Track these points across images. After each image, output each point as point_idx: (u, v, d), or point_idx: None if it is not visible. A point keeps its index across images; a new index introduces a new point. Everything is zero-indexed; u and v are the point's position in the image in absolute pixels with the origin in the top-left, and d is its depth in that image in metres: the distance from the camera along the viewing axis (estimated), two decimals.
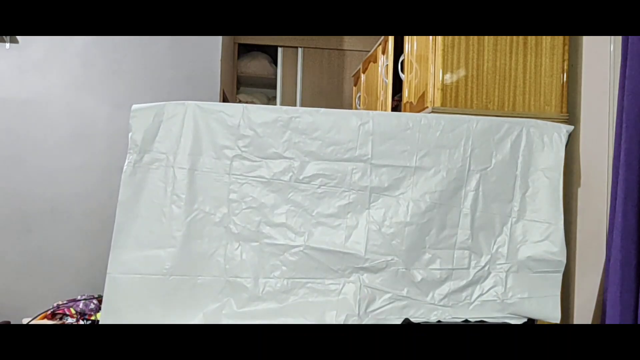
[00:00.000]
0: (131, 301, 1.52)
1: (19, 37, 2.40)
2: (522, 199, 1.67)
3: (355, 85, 3.44)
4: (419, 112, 1.87)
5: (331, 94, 3.74)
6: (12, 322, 2.19)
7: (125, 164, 1.55)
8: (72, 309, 2.07)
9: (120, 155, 1.70)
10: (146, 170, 1.56)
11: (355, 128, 1.60)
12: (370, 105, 2.90)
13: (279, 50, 3.71)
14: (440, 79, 1.78)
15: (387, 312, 1.62)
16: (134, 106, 1.54)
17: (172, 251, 1.56)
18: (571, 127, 1.70)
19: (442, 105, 1.78)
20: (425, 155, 1.63)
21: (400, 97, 2.28)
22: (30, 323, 2.03)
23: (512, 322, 1.66)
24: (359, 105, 3.21)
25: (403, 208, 1.62)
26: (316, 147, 1.59)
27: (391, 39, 2.43)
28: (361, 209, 1.62)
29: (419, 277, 1.63)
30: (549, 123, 1.70)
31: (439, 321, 1.63)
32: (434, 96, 1.79)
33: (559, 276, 1.65)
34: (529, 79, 1.81)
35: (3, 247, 2.29)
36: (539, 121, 1.70)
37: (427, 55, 1.86)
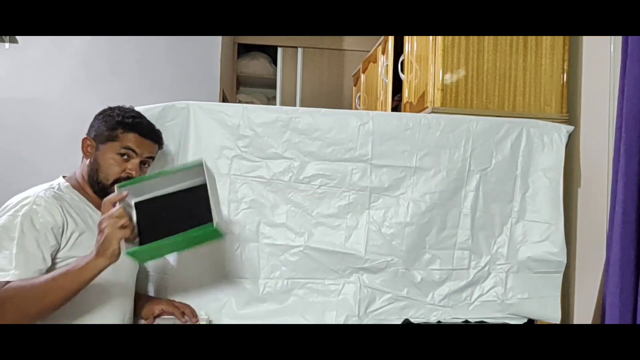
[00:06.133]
0: None
1: (18, 37, 2.39)
2: (522, 199, 1.67)
3: (355, 85, 3.44)
4: (419, 112, 1.87)
5: (331, 94, 3.73)
6: None
7: None
8: None
9: None
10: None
11: (355, 128, 1.60)
12: (370, 105, 2.90)
13: (279, 50, 3.71)
14: (440, 79, 1.78)
15: (387, 312, 1.62)
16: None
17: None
18: (571, 128, 1.70)
19: (442, 105, 1.78)
20: (425, 156, 1.63)
21: (400, 97, 2.28)
22: None
23: (512, 322, 1.66)
24: (359, 105, 3.21)
25: (403, 208, 1.62)
26: (316, 148, 1.59)
27: (391, 39, 2.43)
28: (361, 209, 1.62)
29: (418, 278, 1.63)
30: (549, 123, 1.70)
31: (439, 321, 1.63)
32: (434, 96, 1.79)
33: (559, 277, 1.65)
34: (529, 79, 1.81)
35: None
36: (539, 121, 1.70)
37: (427, 55, 1.86)
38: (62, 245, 1.28)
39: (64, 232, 1.28)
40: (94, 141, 1.39)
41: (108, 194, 1.35)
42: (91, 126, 1.42)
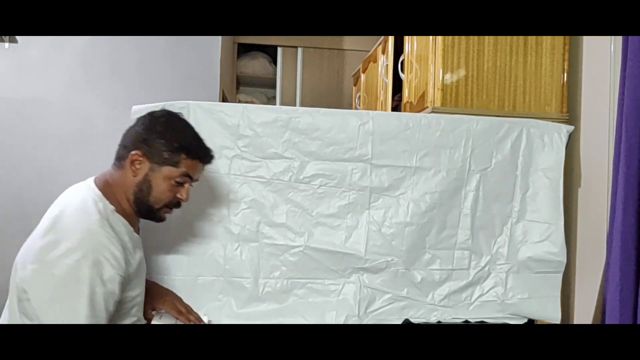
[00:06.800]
0: None
1: (18, 37, 2.39)
2: (522, 199, 1.67)
3: (355, 85, 3.44)
4: (419, 112, 1.87)
5: (331, 94, 3.73)
6: None
7: None
8: None
9: None
10: None
11: (355, 128, 1.60)
12: (370, 105, 2.90)
13: (279, 50, 3.71)
14: (440, 79, 1.78)
15: (387, 312, 1.62)
16: (135, 107, 1.54)
17: (172, 251, 1.56)
18: (571, 127, 1.70)
19: (442, 105, 1.78)
20: (425, 156, 1.63)
21: (400, 97, 2.28)
22: None
23: (512, 322, 1.66)
24: (359, 105, 3.20)
25: (403, 208, 1.62)
26: (316, 147, 1.59)
27: (391, 39, 2.43)
28: (361, 209, 1.62)
29: (419, 278, 1.63)
30: (549, 123, 1.70)
31: (439, 322, 1.63)
32: (434, 96, 1.79)
33: (559, 277, 1.65)
34: (529, 79, 1.81)
35: (2, 248, 2.29)
36: (539, 121, 1.70)
37: (427, 55, 1.86)
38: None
39: (126, 277, 1.20)
40: (147, 159, 1.26)
41: (154, 215, 1.31)
42: (141, 139, 1.27)
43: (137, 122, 1.32)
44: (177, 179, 1.28)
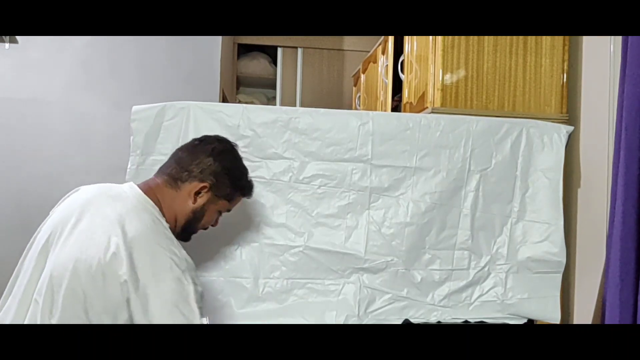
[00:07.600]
0: None
1: (18, 37, 2.39)
2: (522, 199, 1.67)
3: (355, 85, 3.44)
4: (418, 112, 1.87)
5: (331, 94, 3.73)
6: None
7: (129, 166, 1.55)
8: None
9: (120, 155, 1.70)
10: (149, 172, 1.55)
11: (355, 128, 1.60)
12: (370, 106, 2.90)
13: (279, 50, 3.71)
14: (440, 79, 1.78)
15: (387, 312, 1.62)
16: (134, 108, 1.54)
17: None
18: (571, 128, 1.70)
19: (442, 105, 1.78)
20: (425, 156, 1.63)
21: (400, 97, 2.28)
22: None
23: (512, 322, 1.66)
24: (359, 106, 3.21)
25: (403, 208, 1.62)
26: (316, 148, 1.59)
27: (391, 39, 2.43)
28: (361, 209, 1.62)
29: (418, 278, 1.63)
30: (548, 123, 1.70)
31: (438, 322, 1.63)
32: (433, 96, 1.79)
33: (559, 277, 1.65)
34: (529, 79, 1.81)
35: (2, 248, 2.29)
36: (538, 121, 1.70)
37: (427, 56, 1.86)
38: None
39: None
40: (210, 191, 1.29)
41: (187, 237, 1.33)
42: (211, 171, 1.28)
43: (201, 146, 1.32)
44: (224, 211, 1.37)
